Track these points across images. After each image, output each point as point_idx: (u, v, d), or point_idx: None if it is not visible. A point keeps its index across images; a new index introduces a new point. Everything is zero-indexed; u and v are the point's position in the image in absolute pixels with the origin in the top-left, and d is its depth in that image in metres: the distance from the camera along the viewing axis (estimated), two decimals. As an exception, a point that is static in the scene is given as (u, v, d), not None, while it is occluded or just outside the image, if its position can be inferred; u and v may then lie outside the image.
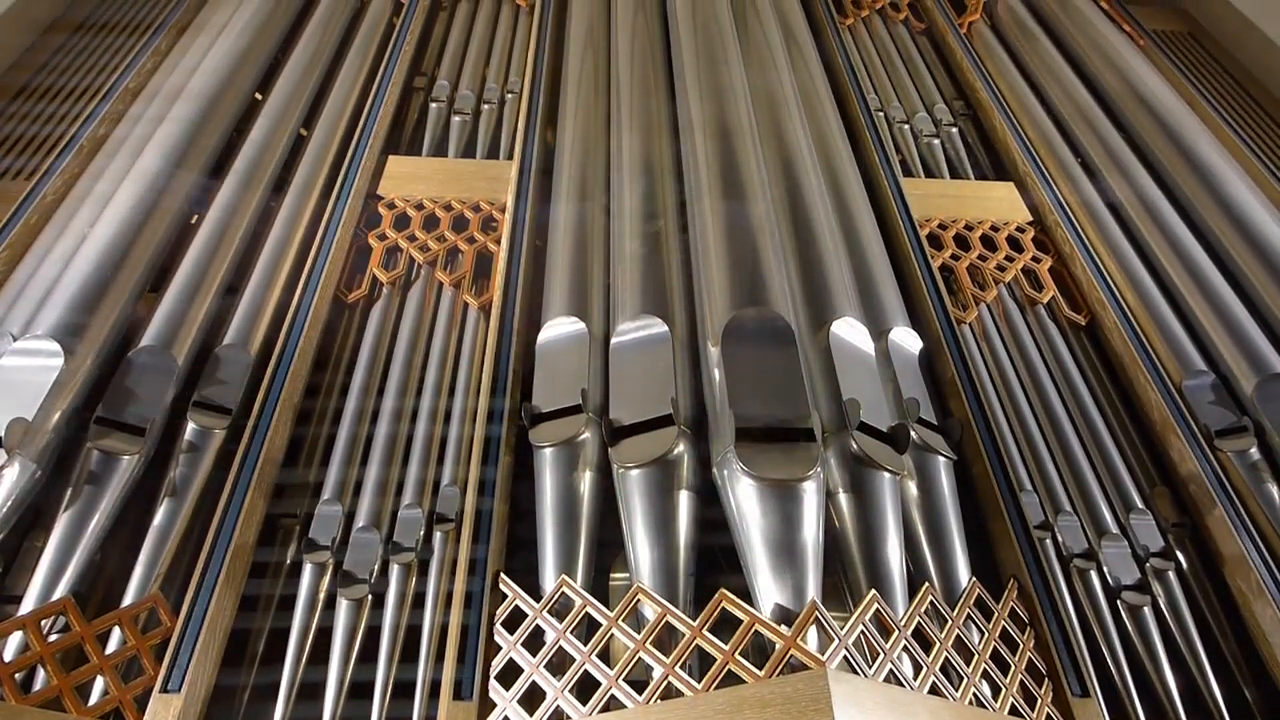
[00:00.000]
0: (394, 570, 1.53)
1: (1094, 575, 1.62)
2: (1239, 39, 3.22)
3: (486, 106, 2.61)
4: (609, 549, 1.55)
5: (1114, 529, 1.68)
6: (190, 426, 1.66)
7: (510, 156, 2.37)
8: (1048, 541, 1.66)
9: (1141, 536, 1.67)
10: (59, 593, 1.43)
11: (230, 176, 2.14)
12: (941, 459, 1.62)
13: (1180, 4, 3.52)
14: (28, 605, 1.41)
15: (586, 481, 1.53)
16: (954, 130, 2.72)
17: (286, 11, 2.73)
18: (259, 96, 2.46)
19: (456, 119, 2.56)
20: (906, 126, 2.71)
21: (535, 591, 1.44)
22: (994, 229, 2.34)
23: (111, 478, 1.55)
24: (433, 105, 2.60)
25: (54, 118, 2.48)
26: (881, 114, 2.73)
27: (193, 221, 2.07)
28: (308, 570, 1.53)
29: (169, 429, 1.67)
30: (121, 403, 1.64)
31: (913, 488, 1.59)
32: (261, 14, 2.61)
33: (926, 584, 1.45)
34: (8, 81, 2.61)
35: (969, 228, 2.33)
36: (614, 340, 1.72)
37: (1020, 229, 2.36)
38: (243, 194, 2.10)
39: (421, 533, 1.58)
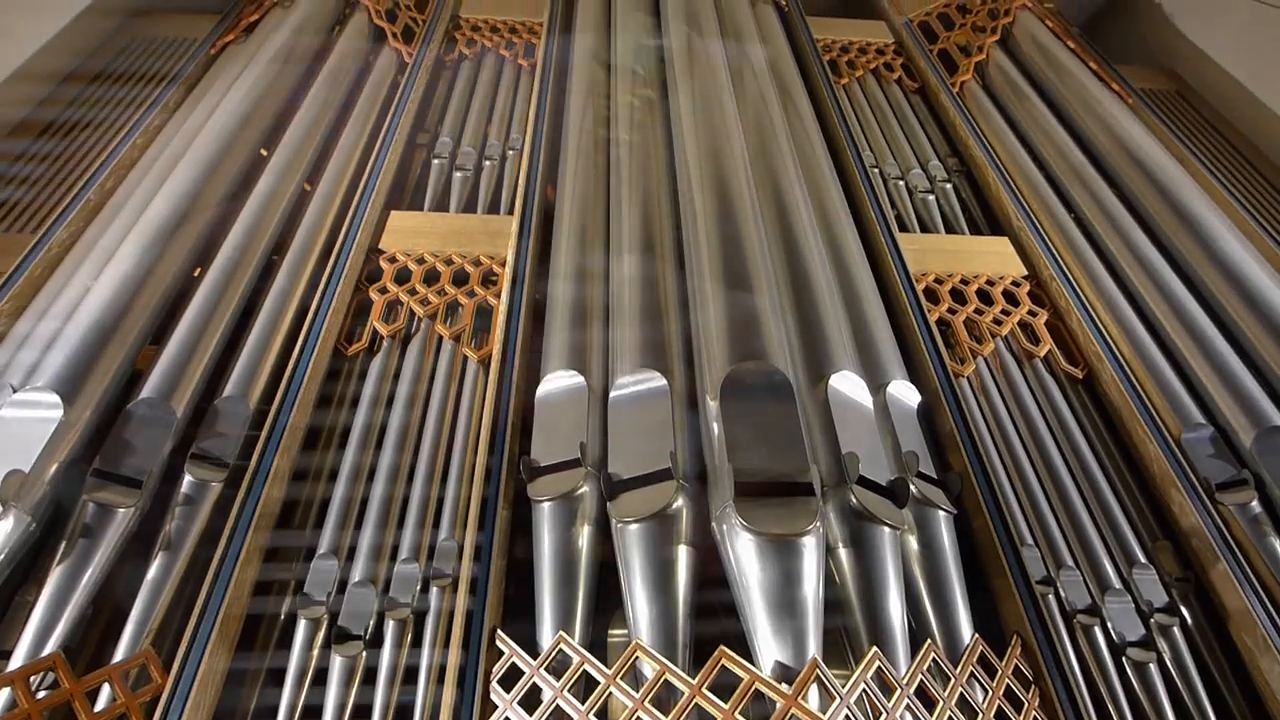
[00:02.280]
0: (389, 626, 1.52)
1: (1098, 631, 1.60)
2: (1226, 97, 3.29)
3: (488, 163, 2.65)
4: (607, 605, 1.54)
5: (1117, 584, 1.67)
6: (187, 479, 1.65)
7: (511, 212, 2.40)
8: (1050, 597, 1.65)
9: (1145, 591, 1.66)
10: (49, 648, 1.40)
11: (234, 230, 2.16)
12: (942, 513, 1.61)
13: (1167, 64, 3.60)
14: (17, 661, 1.39)
15: (585, 536, 1.53)
16: (948, 186, 2.76)
17: (294, 70, 2.78)
18: (264, 153, 2.50)
19: (458, 175, 2.60)
20: (901, 182, 2.76)
21: (532, 648, 1.42)
22: (990, 283, 2.36)
23: (106, 531, 1.54)
24: (435, 161, 2.64)
25: (64, 169, 2.53)
26: (877, 170, 2.77)
27: (195, 274, 2.09)
28: (302, 625, 1.51)
29: (165, 481, 1.66)
30: (119, 455, 1.63)
31: (913, 542, 1.58)
32: (270, 72, 2.66)
33: (929, 640, 1.43)
34: (20, 132, 2.65)
35: (965, 282, 2.35)
36: (612, 394, 1.72)
37: (1016, 283, 2.38)
38: (246, 247, 2.12)
39: (418, 588, 1.57)
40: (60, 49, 2.83)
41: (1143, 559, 1.71)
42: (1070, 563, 1.70)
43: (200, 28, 3.05)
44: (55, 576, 1.48)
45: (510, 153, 2.70)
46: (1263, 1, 3.17)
